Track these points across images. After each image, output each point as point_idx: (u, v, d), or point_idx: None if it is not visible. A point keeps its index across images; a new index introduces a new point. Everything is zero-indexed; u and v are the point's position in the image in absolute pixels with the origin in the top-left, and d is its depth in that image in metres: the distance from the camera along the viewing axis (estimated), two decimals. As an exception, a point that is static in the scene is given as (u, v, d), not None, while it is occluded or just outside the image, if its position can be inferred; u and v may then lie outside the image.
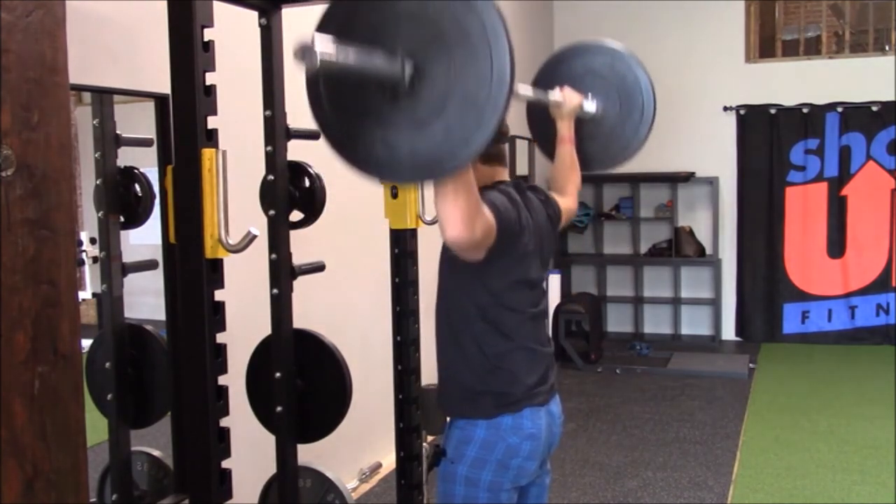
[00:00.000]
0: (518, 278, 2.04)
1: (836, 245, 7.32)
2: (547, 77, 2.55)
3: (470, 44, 1.44)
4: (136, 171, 2.27)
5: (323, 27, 1.55)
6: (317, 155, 2.28)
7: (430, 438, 2.89)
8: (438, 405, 2.15)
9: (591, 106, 2.50)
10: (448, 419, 2.11)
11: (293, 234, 2.19)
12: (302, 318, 2.21)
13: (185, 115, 1.87)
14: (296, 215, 2.22)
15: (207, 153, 1.86)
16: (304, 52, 1.35)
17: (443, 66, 1.46)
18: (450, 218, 1.67)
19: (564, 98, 2.39)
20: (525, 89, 2.23)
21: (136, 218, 2.27)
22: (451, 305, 2.06)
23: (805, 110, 7.28)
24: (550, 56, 2.67)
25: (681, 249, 7.56)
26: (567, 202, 2.35)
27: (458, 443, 2.04)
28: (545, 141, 2.55)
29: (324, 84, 1.56)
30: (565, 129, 2.40)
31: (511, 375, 2.03)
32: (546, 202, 2.22)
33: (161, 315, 2.39)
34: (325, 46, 1.37)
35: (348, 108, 1.56)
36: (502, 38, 1.42)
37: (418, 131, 1.49)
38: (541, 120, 2.52)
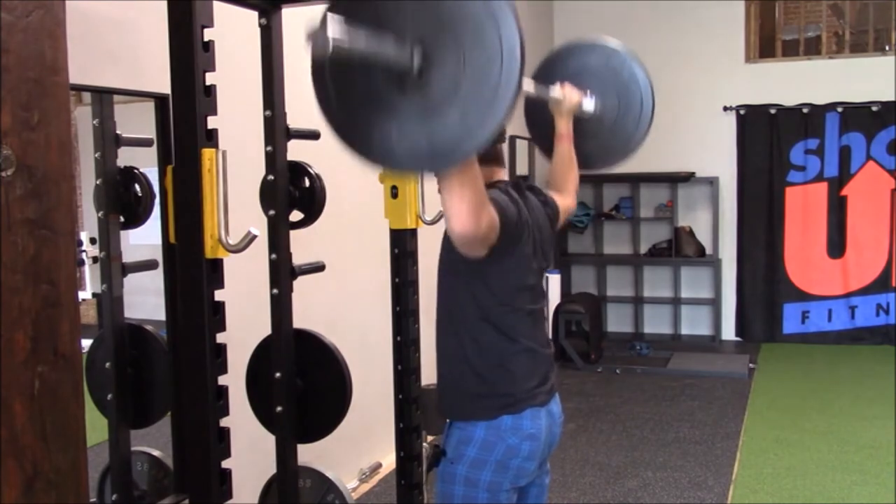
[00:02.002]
0: (518, 277, 2.04)
1: (836, 245, 7.32)
2: (544, 75, 2.52)
3: (477, 25, 1.41)
4: (136, 171, 2.27)
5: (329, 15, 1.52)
6: (317, 155, 2.29)
7: (430, 438, 2.89)
8: (438, 409, 2.14)
9: (589, 104, 2.48)
10: (448, 420, 2.11)
11: (293, 234, 2.19)
12: (302, 318, 2.21)
13: (185, 115, 1.87)
14: (296, 215, 2.22)
15: (207, 153, 1.86)
16: (317, 35, 1.31)
17: (452, 51, 1.43)
18: (456, 211, 1.67)
19: (564, 95, 2.37)
20: (527, 83, 2.20)
21: (136, 218, 2.27)
22: (452, 307, 2.06)
23: (805, 110, 7.28)
24: (547, 54, 2.65)
25: (681, 249, 7.56)
26: (566, 200, 2.35)
27: (458, 443, 2.04)
28: (543, 138, 2.53)
29: (330, 73, 1.53)
30: (564, 127, 2.39)
31: (512, 376, 2.03)
32: (545, 203, 2.22)
33: (161, 315, 2.39)
34: (338, 30, 1.33)
35: (356, 99, 1.52)
36: (508, 14, 1.40)
37: (432, 119, 1.46)
38: (539, 117, 2.51)
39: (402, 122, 1.48)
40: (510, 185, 2.09)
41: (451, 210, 1.67)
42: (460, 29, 1.43)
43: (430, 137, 1.46)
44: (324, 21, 1.34)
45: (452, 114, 1.44)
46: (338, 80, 1.53)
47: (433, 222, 2.60)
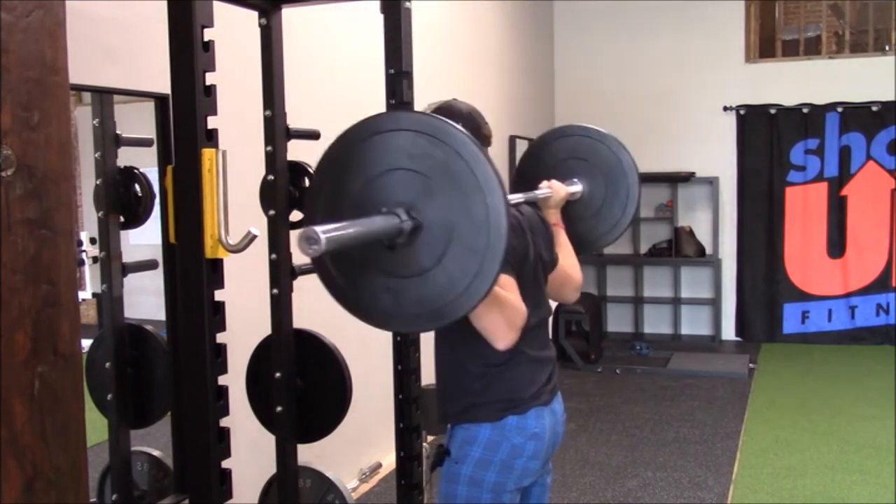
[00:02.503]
0: (521, 291, 2.03)
1: (836, 245, 7.32)
2: (533, 158, 2.60)
3: (463, 192, 1.46)
4: (136, 171, 2.27)
5: (314, 206, 1.63)
6: (317, 155, 2.28)
7: (430, 438, 2.89)
8: (441, 419, 2.15)
9: (576, 188, 2.53)
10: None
11: (293, 234, 2.19)
12: (302, 318, 2.21)
13: (185, 115, 1.86)
14: (296, 215, 2.22)
15: (207, 153, 1.86)
16: (309, 241, 1.36)
17: (440, 214, 1.48)
18: (491, 331, 1.76)
19: (552, 191, 2.40)
20: (514, 197, 2.22)
21: (136, 218, 2.27)
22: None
23: (805, 110, 7.28)
24: (534, 141, 2.69)
25: (681, 249, 7.57)
26: (574, 274, 2.36)
27: (462, 443, 2.04)
28: None
29: (329, 259, 1.61)
30: (553, 218, 2.42)
31: (516, 384, 2.03)
32: (539, 208, 2.25)
33: (161, 315, 2.39)
34: (328, 232, 1.38)
35: (353, 268, 1.59)
36: (495, 188, 1.43)
37: (420, 278, 1.51)
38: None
39: (391, 279, 1.54)
40: None
41: (488, 333, 1.76)
42: (449, 197, 1.47)
43: (420, 299, 1.51)
44: (313, 226, 1.38)
45: (440, 277, 1.49)
46: (336, 260, 1.61)
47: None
